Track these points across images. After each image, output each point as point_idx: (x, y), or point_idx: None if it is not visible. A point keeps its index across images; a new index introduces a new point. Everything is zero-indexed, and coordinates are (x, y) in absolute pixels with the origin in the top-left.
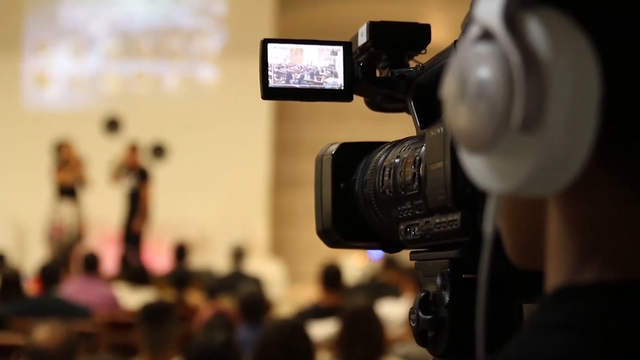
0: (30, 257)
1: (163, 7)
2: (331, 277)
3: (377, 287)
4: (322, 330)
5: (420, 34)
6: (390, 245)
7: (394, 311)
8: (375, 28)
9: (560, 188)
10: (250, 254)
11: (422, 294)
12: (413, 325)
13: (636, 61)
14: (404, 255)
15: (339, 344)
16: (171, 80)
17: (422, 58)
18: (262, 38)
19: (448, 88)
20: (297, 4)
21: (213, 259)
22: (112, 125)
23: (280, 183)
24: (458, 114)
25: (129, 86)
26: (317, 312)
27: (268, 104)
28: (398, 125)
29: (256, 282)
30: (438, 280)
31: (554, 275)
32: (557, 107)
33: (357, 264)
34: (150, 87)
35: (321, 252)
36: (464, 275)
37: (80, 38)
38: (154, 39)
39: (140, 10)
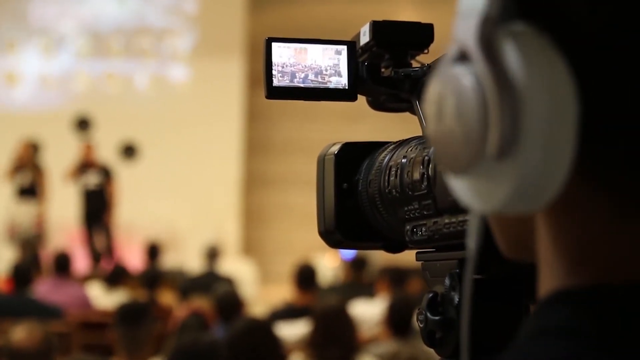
0: None
1: (133, 6)
2: (305, 276)
3: (351, 287)
4: (296, 330)
5: (423, 33)
6: (393, 246)
7: (368, 311)
8: (378, 27)
9: (542, 207)
10: (222, 254)
11: (430, 295)
12: (421, 326)
13: (614, 78)
14: (380, 256)
15: (311, 344)
16: (141, 79)
17: (424, 58)
18: (234, 38)
19: (427, 108)
20: (268, 4)
21: (184, 258)
22: (83, 125)
23: (252, 182)
24: (437, 136)
25: (99, 86)
26: (291, 311)
27: (238, 103)
28: (369, 126)
29: (229, 282)
30: (447, 281)
31: (547, 281)
32: (533, 133)
33: (329, 264)
34: (121, 87)
35: (292, 252)
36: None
37: (49, 37)
38: (124, 38)
39: (111, 9)
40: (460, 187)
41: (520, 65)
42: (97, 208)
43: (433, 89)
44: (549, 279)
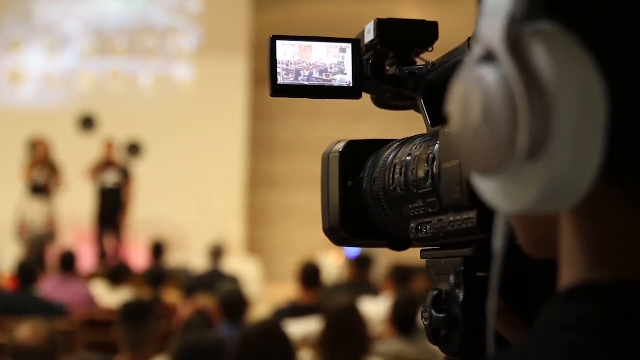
0: (4, 255)
1: (138, 5)
2: (310, 275)
3: (355, 285)
4: (301, 328)
5: (427, 31)
6: (398, 243)
7: (372, 309)
8: (382, 25)
9: (569, 207)
10: (226, 253)
11: (435, 292)
12: (425, 323)
13: None
14: (385, 254)
15: (322, 342)
16: (146, 78)
17: (428, 55)
18: (238, 36)
19: (453, 109)
20: (272, 3)
21: (188, 257)
22: (87, 124)
23: (256, 181)
24: (464, 137)
25: (104, 84)
26: (295, 310)
27: (242, 101)
28: (373, 124)
29: (234, 281)
30: (451, 278)
31: (567, 278)
32: (563, 134)
33: (333, 262)
34: (125, 85)
35: (296, 251)
36: (477, 273)
37: (54, 36)
38: (129, 37)
39: (115, 8)
40: (487, 188)
41: (549, 65)
42: (112, 207)
43: (458, 90)
44: (568, 275)
